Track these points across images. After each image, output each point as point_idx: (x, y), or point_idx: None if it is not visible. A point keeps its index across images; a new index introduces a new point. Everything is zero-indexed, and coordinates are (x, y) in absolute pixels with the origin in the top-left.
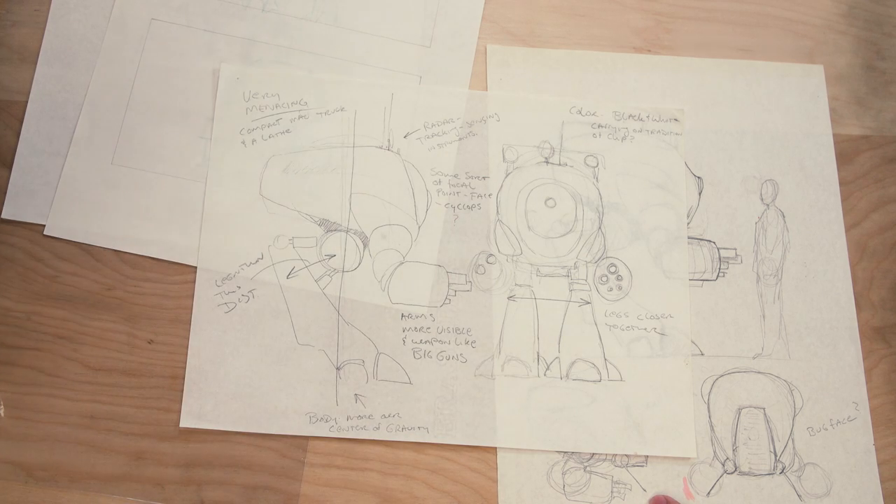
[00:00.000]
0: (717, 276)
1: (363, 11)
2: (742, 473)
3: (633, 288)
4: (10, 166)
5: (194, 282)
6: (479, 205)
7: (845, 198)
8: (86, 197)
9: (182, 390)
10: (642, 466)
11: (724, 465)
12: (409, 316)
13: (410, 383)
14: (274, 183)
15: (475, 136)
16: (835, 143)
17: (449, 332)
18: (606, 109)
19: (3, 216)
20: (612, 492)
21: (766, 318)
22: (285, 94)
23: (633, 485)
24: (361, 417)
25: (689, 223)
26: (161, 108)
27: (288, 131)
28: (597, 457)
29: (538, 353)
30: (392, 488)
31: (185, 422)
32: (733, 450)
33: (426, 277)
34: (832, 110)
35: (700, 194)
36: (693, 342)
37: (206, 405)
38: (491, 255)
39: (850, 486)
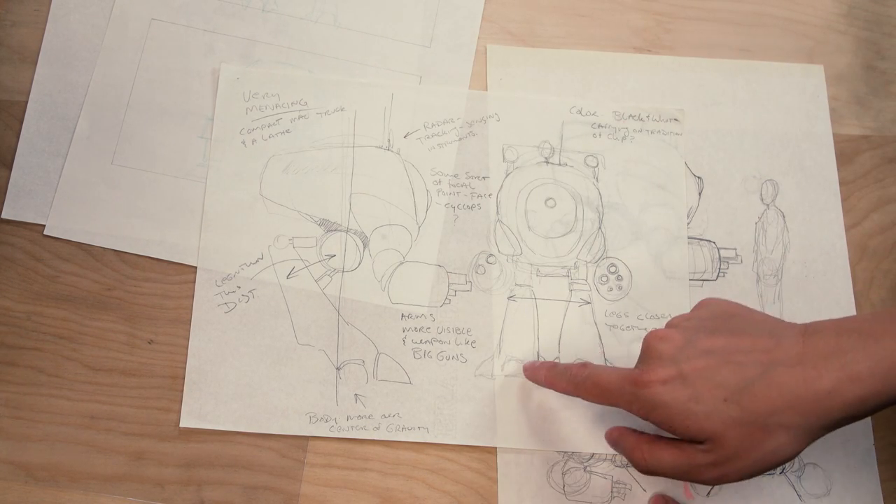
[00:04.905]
0: (717, 276)
1: (363, 11)
2: None
3: (633, 288)
4: (10, 166)
5: (194, 282)
6: (479, 205)
7: (845, 198)
8: (86, 197)
9: (182, 390)
10: None
11: None
12: (409, 316)
13: (410, 383)
14: (274, 183)
15: (475, 136)
16: (835, 143)
17: (449, 332)
18: (606, 109)
19: (3, 216)
20: (612, 492)
21: None
22: (285, 94)
23: (633, 485)
24: (361, 417)
25: (689, 223)
26: (161, 108)
27: (288, 131)
28: (597, 457)
29: (538, 353)
30: (392, 488)
31: (185, 422)
32: None
33: (426, 277)
34: (832, 110)
35: (700, 194)
36: None
37: (206, 405)
38: (491, 255)
39: (850, 486)
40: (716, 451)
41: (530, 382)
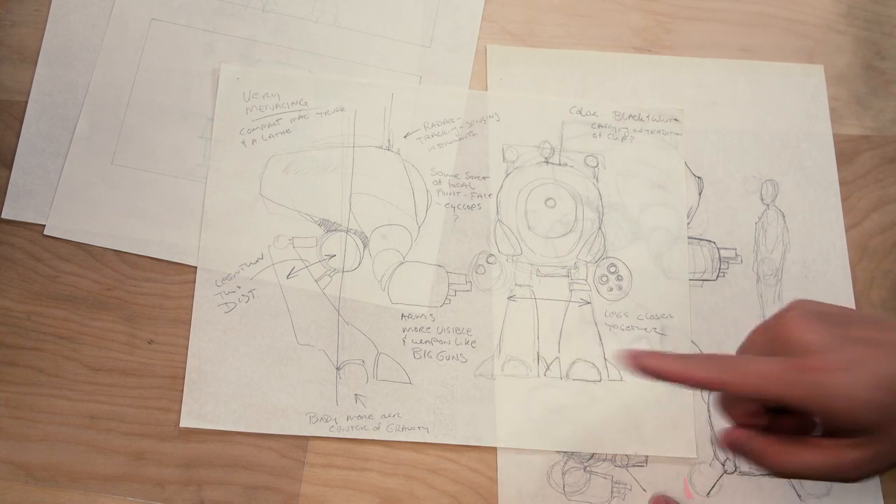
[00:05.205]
0: (717, 276)
1: (363, 11)
2: (742, 473)
3: (633, 288)
4: (10, 166)
5: (194, 282)
6: (479, 205)
7: (845, 198)
8: (86, 197)
9: (182, 390)
10: (642, 466)
11: (724, 465)
12: (409, 316)
13: (410, 383)
14: (274, 183)
15: (475, 136)
16: (835, 143)
17: (449, 332)
18: (606, 109)
19: (3, 216)
20: (612, 492)
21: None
22: (285, 94)
23: (633, 485)
24: (361, 417)
25: (689, 223)
26: (161, 108)
27: (288, 131)
28: (597, 457)
29: (538, 353)
30: (392, 488)
31: (185, 422)
32: None
33: (426, 277)
34: (832, 110)
35: (700, 194)
36: (693, 342)
37: (206, 405)
38: (491, 255)
39: (850, 486)
40: (873, 444)
41: (529, 382)
